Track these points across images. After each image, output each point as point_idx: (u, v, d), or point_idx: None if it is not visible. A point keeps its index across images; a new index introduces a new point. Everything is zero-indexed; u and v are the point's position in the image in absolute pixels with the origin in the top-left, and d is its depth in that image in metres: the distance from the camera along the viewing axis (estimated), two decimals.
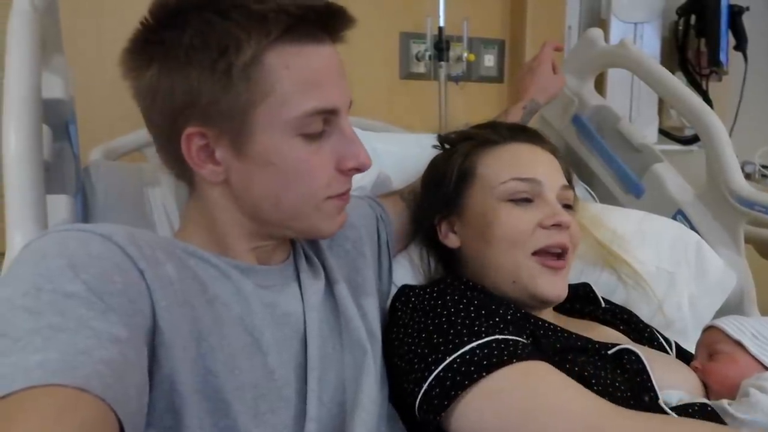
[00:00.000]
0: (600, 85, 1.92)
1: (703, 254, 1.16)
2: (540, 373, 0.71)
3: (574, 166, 1.31)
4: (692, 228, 1.23)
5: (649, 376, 0.76)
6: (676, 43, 2.13)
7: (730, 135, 1.22)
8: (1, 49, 0.76)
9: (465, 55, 1.92)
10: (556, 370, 0.72)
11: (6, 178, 0.71)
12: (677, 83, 1.28)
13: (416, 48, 1.90)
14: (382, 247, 0.95)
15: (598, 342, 0.82)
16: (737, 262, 1.20)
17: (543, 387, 0.69)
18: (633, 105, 2.06)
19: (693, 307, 1.12)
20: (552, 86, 1.24)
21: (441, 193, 0.94)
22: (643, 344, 0.92)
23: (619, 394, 0.73)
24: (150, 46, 0.64)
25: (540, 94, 1.22)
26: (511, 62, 2.03)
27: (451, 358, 0.71)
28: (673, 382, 0.79)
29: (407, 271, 1.01)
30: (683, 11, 2.09)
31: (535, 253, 0.84)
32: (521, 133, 0.96)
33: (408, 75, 1.92)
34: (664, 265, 1.13)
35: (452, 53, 1.90)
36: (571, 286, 0.92)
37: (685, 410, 0.74)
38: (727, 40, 2.03)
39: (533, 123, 1.24)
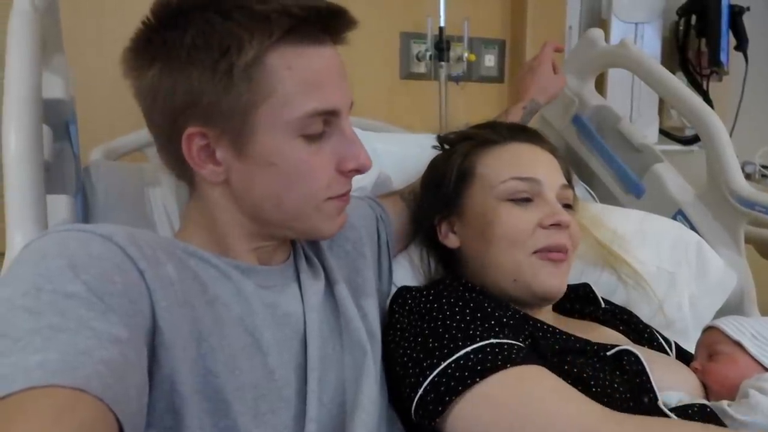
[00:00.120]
0: (600, 85, 1.92)
1: (704, 254, 1.16)
2: (535, 377, 0.71)
3: (574, 166, 1.31)
4: (692, 228, 1.23)
5: (648, 377, 0.76)
6: (677, 43, 2.13)
7: (731, 135, 1.22)
8: (2, 48, 0.76)
9: (465, 55, 1.92)
10: (552, 374, 0.72)
11: (6, 178, 0.71)
12: (678, 83, 1.28)
13: (417, 48, 1.90)
14: (382, 247, 0.95)
15: (597, 343, 0.81)
16: (737, 263, 1.20)
17: (538, 392, 0.69)
18: (633, 105, 2.06)
19: (693, 308, 1.12)
20: (552, 86, 1.24)
21: (441, 194, 0.94)
22: (643, 345, 0.92)
23: (618, 396, 0.73)
24: (152, 46, 0.64)
25: (540, 94, 1.22)
26: (511, 62, 2.03)
27: (445, 363, 0.71)
28: (673, 383, 0.79)
29: (407, 272, 1.01)
30: (684, 11, 2.09)
31: (535, 252, 0.84)
32: (521, 132, 0.96)
33: (408, 75, 1.92)
34: (665, 265, 1.13)
35: (453, 53, 1.90)
36: (571, 287, 0.92)
37: (684, 411, 0.74)
38: (728, 40, 2.03)
39: (533, 123, 1.24)
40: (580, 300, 1.01)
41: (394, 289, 0.94)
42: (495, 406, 0.68)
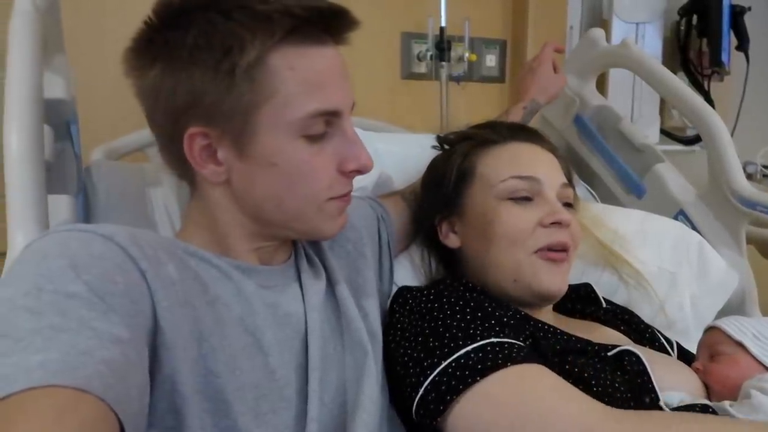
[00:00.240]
0: (601, 85, 1.92)
1: (705, 254, 1.16)
2: (535, 376, 0.71)
3: (575, 166, 1.31)
4: (694, 228, 1.23)
5: (649, 378, 0.76)
6: (678, 43, 2.13)
7: (732, 135, 1.22)
8: (3, 48, 0.76)
9: (466, 55, 1.92)
10: (552, 372, 0.72)
11: (7, 178, 0.71)
12: (679, 83, 1.28)
13: (418, 48, 1.90)
14: (383, 247, 0.95)
15: (598, 344, 0.81)
16: (739, 263, 1.20)
17: (538, 390, 0.69)
18: (634, 105, 2.05)
19: (695, 308, 1.12)
20: (553, 86, 1.24)
21: (441, 194, 0.94)
22: (644, 345, 0.91)
23: (619, 396, 0.73)
24: (153, 46, 0.64)
25: (541, 94, 1.22)
26: (512, 62, 2.03)
27: (446, 363, 0.71)
28: (674, 384, 0.79)
29: (408, 272, 1.01)
30: (685, 11, 2.08)
31: (536, 252, 0.84)
32: (520, 132, 0.96)
33: (409, 75, 1.92)
34: (666, 265, 1.13)
35: (454, 53, 1.90)
36: (572, 287, 0.92)
37: (686, 411, 0.74)
38: (729, 40, 2.03)
39: (534, 123, 1.24)
40: (581, 300, 1.01)
41: (395, 289, 0.94)
42: (496, 405, 0.68)
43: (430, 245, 0.99)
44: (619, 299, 1.07)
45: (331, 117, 0.68)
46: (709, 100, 1.97)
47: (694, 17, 2.07)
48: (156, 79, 0.64)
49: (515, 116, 1.18)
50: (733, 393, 0.79)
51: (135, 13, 0.66)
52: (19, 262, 0.54)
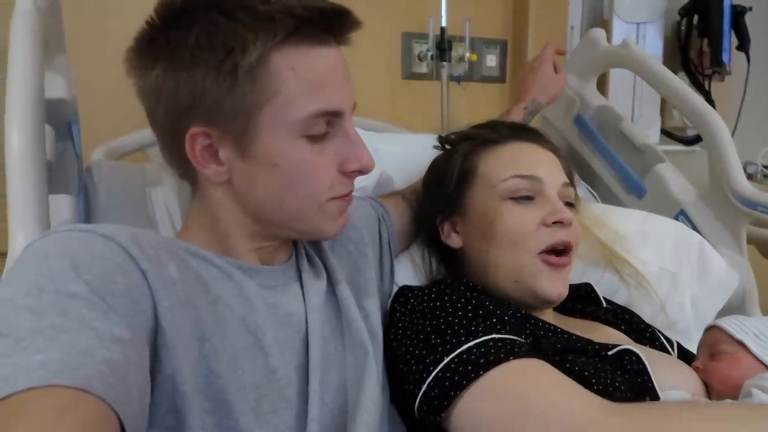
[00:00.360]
0: (602, 86, 1.92)
1: (706, 255, 1.16)
2: (537, 370, 0.71)
3: (576, 167, 1.30)
4: (694, 228, 1.23)
5: (650, 377, 0.76)
6: (679, 43, 2.13)
7: (733, 135, 1.22)
8: (4, 48, 0.76)
9: (467, 55, 1.92)
10: (553, 368, 0.72)
11: (8, 177, 0.71)
12: (680, 83, 1.28)
13: (418, 48, 1.90)
14: (383, 247, 0.95)
15: (598, 343, 0.81)
16: (739, 263, 1.20)
17: (540, 385, 0.69)
18: (635, 105, 2.05)
19: (695, 308, 1.12)
20: (553, 86, 1.24)
21: (442, 194, 0.94)
22: (645, 344, 0.91)
23: (619, 395, 0.73)
24: (155, 46, 0.64)
25: (542, 95, 1.22)
26: (513, 62, 2.03)
27: (449, 358, 0.71)
28: (675, 383, 0.79)
29: (409, 272, 1.01)
30: (686, 11, 2.08)
31: (539, 254, 0.84)
32: (521, 132, 0.96)
33: (410, 75, 1.92)
34: (667, 265, 1.13)
35: (454, 53, 1.90)
36: (572, 286, 0.92)
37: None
38: (730, 40, 2.03)
39: (535, 123, 1.24)
40: (581, 300, 1.01)
41: (395, 289, 0.94)
42: (498, 399, 0.68)
43: (431, 245, 0.99)
44: (619, 299, 1.07)
45: (333, 117, 0.68)
46: (710, 101, 1.97)
47: (695, 17, 2.07)
48: (158, 78, 0.64)
49: (516, 116, 1.18)
50: (734, 392, 0.79)
51: (136, 13, 0.66)
52: (20, 262, 0.54)
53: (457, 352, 0.71)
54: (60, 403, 0.43)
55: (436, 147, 1.03)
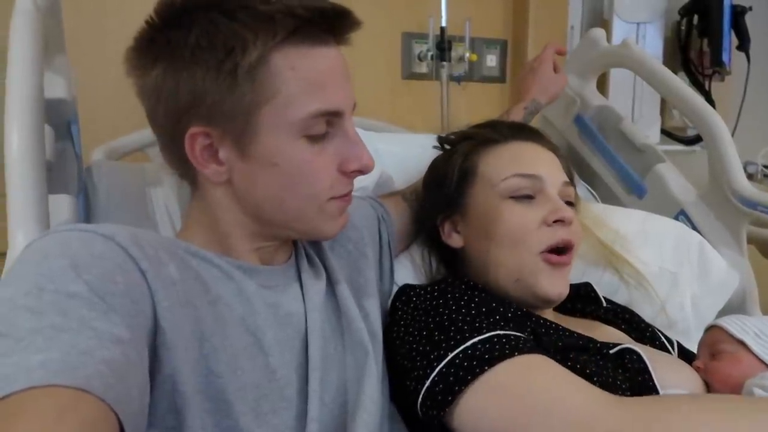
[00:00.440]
0: (602, 85, 1.92)
1: (706, 255, 1.16)
2: (541, 366, 0.71)
3: (576, 167, 1.31)
4: (694, 228, 1.23)
5: (651, 376, 0.76)
6: (679, 43, 2.13)
7: (733, 135, 1.22)
8: (4, 48, 0.76)
9: (467, 55, 1.92)
10: (557, 363, 0.72)
11: (8, 177, 0.71)
12: (680, 83, 1.28)
13: (418, 48, 1.90)
14: (383, 247, 0.95)
15: (599, 341, 0.82)
16: (740, 263, 1.20)
17: (544, 380, 0.69)
18: (635, 105, 2.05)
19: (695, 308, 1.12)
20: (554, 86, 1.24)
21: (443, 194, 0.94)
22: (645, 344, 0.91)
23: (620, 393, 0.73)
24: (155, 46, 0.64)
25: (542, 94, 1.22)
26: (513, 62, 2.03)
27: (453, 354, 0.71)
28: (676, 382, 0.79)
29: (409, 272, 1.01)
30: (686, 11, 2.08)
31: (540, 254, 0.84)
32: (521, 131, 0.96)
33: (410, 75, 1.92)
34: (667, 265, 1.13)
35: (454, 53, 1.90)
36: (572, 286, 0.92)
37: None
38: (730, 40, 2.03)
39: (535, 123, 1.24)
40: (581, 299, 1.01)
41: (395, 289, 0.94)
42: (503, 395, 0.69)
43: (431, 245, 0.99)
44: (620, 299, 1.07)
45: (333, 117, 0.68)
46: (710, 100, 1.97)
47: (695, 17, 2.07)
48: (158, 78, 0.64)
49: (516, 116, 1.18)
50: (735, 391, 0.79)
51: (136, 14, 0.66)
52: (20, 261, 0.54)
53: (461, 348, 0.71)
54: (60, 403, 0.43)
55: (436, 147, 1.03)
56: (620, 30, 1.98)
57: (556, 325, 0.83)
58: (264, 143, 0.65)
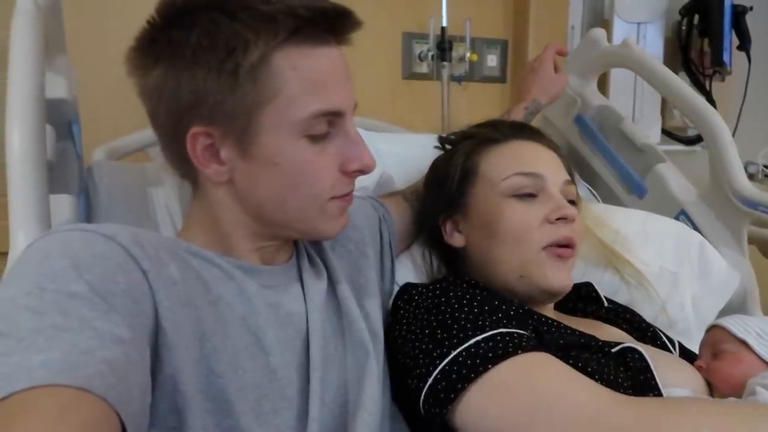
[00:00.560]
0: (603, 85, 1.92)
1: (707, 255, 1.16)
2: (544, 364, 0.71)
3: (576, 166, 1.31)
4: (695, 228, 1.23)
5: (653, 374, 0.76)
6: (679, 43, 2.12)
7: (734, 135, 1.22)
8: (5, 48, 0.76)
9: (468, 55, 1.92)
10: (560, 361, 0.72)
11: (9, 177, 0.71)
12: (680, 83, 1.28)
13: (419, 48, 1.90)
14: (384, 247, 0.95)
15: (601, 340, 0.82)
16: (740, 263, 1.20)
17: (547, 378, 0.69)
18: (636, 105, 2.05)
19: (696, 308, 1.12)
20: (554, 86, 1.24)
21: (444, 193, 0.94)
22: (646, 343, 0.91)
23: (622, 391, 0.72)
24: (157, 45, 0.64)
25: (542, 95, 1.22)
26: (513, 62, 2.03)
27: (456, 352, 0.71)
28: (677, 381, 0.79)
29: (410, 271, 1.01)
30: (686, 11, 2.08)
31: (543, 249, 0.84)
32: (522, 130, 0.96)
33: (411, 75, 1.92)
34: (667, 265, 1.13)
35: (455, 53, 1.90)
36: (573, 286, 0.92)
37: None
38: (731, 40, 2.02)
39: (536, 123, 1.24)
40: (582, 299, 1.01)
41: (396, 289, 0.94)
42: (506, 393, 0.69)
43: (432, 245, 0.99)
44: (620, 299, 1.07)
45: (334, 117, 0.68)
46: (711, 100, 1.97)
47: (696, 17, 2.06)
48: (159, 78, 0.64)
49: (517, 116, 1.18)
50: (736, 391, 0.79)
51: (137, 14, 0.66)
52: (21, 261, 0.54)
53: (464, 346, 0.71)
54: (61, 403, 0.43)
55: (437, 147, 1.03)
56: (621, 30, 1.98)
57: (558, 323, 0.83)
58: (265, 143, 0.65)
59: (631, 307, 1.05)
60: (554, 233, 0.84)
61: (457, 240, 0.93)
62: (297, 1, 0.63)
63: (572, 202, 0.90)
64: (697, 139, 2.06)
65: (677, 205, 1.29)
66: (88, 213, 0.94)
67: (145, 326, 0.55)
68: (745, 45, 2.04)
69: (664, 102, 2.09)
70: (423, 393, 0.72)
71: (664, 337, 0.96)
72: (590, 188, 1.43)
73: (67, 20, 0.96)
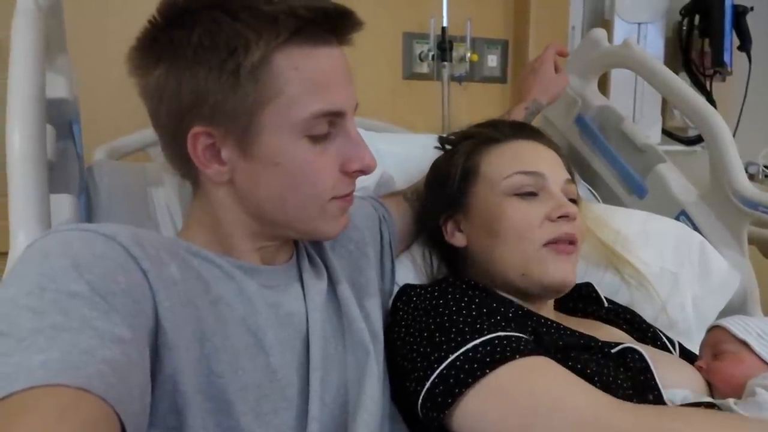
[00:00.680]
0: (603, 86, 1.92)
1: (707, 255, 1.16)
2: (543, 368, 0.71)
3: (577, 167, 1.30)
4: (695, 229, 1.23)
5: (652, 375, 0.76)
6: (680, 43, 2.12)
7: (734, 136, 1.22)
8: (5, 48, 0.76)
9: (468, 55, 1.92)
10: (559, 365, 0.72)
11: (9, 177, 0.71)
12: (681, 84, 1.28)
13: (419, 48, 1.90)
14: (384, 247, 0.95)
15: (601, 341, 0.82)
16: (741, 263, 1.20)
17: (546, 382, 0.69)
18: (636, 105, 2.05)
19: (696, 308, 1.12)
20: (555, 86, 1.24)
21: (445, 193, 0.94)
22: (647, 344, 0.91)
23: (622, 392, 0.73)
24: (158, 45, 0.64)
25: (543, 95, 1.22)
26: (514, 63, 2.03)
27: (453, 356, 0.71)
28: (677, 381, 0.79)
29: (410, 271, 1.01)
30: (687, 11, 2.08)
31: (544, 245, 0.84)
32: (522, 130, 0.96)
33: (411, 75, 1.92)
34: (668, 265, 1.13)
35: (455, 53, 1.90)
36: (574, 286, 0.92)
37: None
38: (731, 40, 2.02)
39: (536, 123, 1.24)
40: (582, 299, 1.01)
41: (396, 289, 0.94)
42: (504, 398, 0.69)
43: (433, 245, 0.99)
44: (621, 299, 1.07)
45: (335, 117, 0.68)
46: (711, 101, 1.97)
47: (696, 17, 2.06)
48: (160, 78, 0.64)
49: (517, 116, 1.17)
50: (737, 391, 0.79)
51: (137, 14, 0.66)
52: (22, 261, 0.54)
53: (462, 350, 0.71)
54: (61, 403, 0.43)
55: (437, 148, 1.03)
56: (621, 30, 1.98)
57: (558, 324, 0.83)
58: (266, 143, 0.65)
59: (631, 308, 1.05)
60: (555, 230, 0.84)
61: (458, 240, 0.93)
62: (298, 2, 0.63)
63: (573, 201, 0.91)
64: (697, 140, 2.06)
65: (678, 205, 1.29)
66: (88, 213, 0.94)
67: (145, 326, 0.55)
68: (745, 45, 2.04)
69: (664, 102, 2.09)
70: (421, 397, 0.72)
71: (664, 338, 0.96)
72: (591, 188, 1.43)
73: (68, 20, 0.96)
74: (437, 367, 0.71)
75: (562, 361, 0.74)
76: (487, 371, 0.69)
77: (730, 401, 0.76)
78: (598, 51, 1.44)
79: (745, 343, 0.83)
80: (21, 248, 0.58)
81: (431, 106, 1.91)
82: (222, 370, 0.61)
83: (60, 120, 0.90)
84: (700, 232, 1.22)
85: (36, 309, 0.48)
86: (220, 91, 0.62)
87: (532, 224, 0.85)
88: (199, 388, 0.59)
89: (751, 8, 2.03)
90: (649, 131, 2.00)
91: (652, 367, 0.77)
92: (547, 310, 0.90)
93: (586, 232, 0.95)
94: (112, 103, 1.27)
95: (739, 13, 2.02)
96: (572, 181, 0.92)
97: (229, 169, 0.67)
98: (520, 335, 0.74)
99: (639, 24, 2.02)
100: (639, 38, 2.01)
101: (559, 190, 0.88)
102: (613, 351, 0.79)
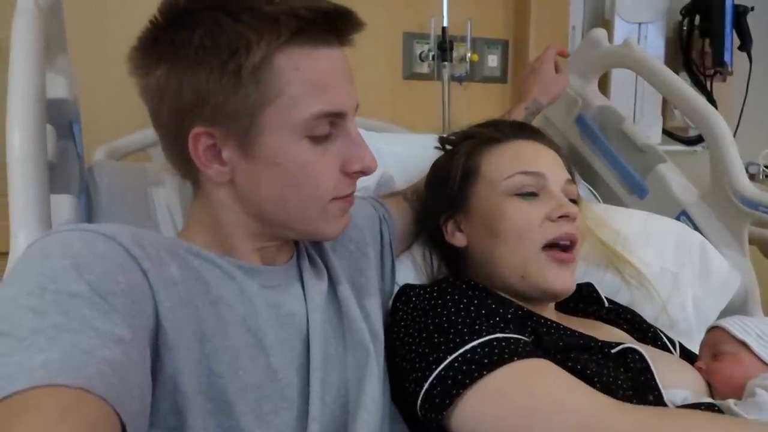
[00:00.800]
0: (604, 86, 1.92)
1: (707, 255, 1.16)
2: (541, 370, 0.71)
3: (577, 167, 1.30)
4: (696, 229, 1.23)
5: (653, 375, 0.76)
6: (680, 43, 2.12)
7: (735, 136, 1.22)
8: (5, 48, 0.76)
9: (468, 55, 1.92)
10: (558, 367, 0.72)
11: (10, 177, 0.71)
12: (681, 83, 1.27)
13: (420, 48, 1.90)
14: (385, 247, 0.95)
15: (601, 341, 0.82)
16: (741, 263, 1.20)
17: (544, 384, 0.69)
18: (637, 105, 2.05)
19: (697, 308, 1.12)
20: (555, 86, 1.24)
21: (445, 193, 0.94)
22: (647, 344, 0.91)
23: (621, 393, 0.73)
24: (159, 46, 0.64)
25: (543, 95, 1.22)
26: (514, 63, 2.03)
27: (452, 357, 0.71)
28: (678, 382, 0.79)
29: (410, 272, 1.01)
30: (687, 11, 2.08)
31: (544, 248, 0.84)
32: (523, 130, 0.96)
33: (411, 75, 1.92)
34: (668, 265, 1.13)
35: (456, 53, 1.90)
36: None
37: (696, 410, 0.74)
38: (732, 40, 2.02)
39: (536, 123, 1.24)
40: (583, 299, 1.01)
41: (396, 289, 0.94)
42: (503, 399, 0.69)
43: (433, 245, 0.99)
44: (621, 300, 1.07)
45: (336, 118, 0.68)
46: (712, 101, 1.96)
47: (697, 17, 2.07)
48: (161, 78, 0.64)
49: (517, 116, 1.17)
50: (737, 392, 0.79)
51: (138, 14, 0.66)
52: (22, 261, 0.54)
53: (461, 351, 0.71)
54: (62, 403, 0.43)
55: (437, 148, 1.03)
56: (622, 30, 1.98)
57: (557, 324, 0.83)
58: (267, 144, 0.65)
59: (631, 308, 1.05)
60: (556, 230, 0.84)
61: (458, 240, 0.93)
62: (299, 2, 0.63)
63: (573, 201, 0.91)
64: (698, 140, 2.06)
65: (678, 205, 1.29)
66: (88, 213, 0.94)
67: (146, 326, 0.55)
68: (746, 45, 2.04)
69: (665, 102, 2.09)
70: (419, 397, 0.72)
71: (664, 338, 0.96)
72: (591, 188, 1.43)
73: (68, 20, 0.96)
74: (435, 368, 0.71)
75: (562, 361, 0.74)
76: (485, 373, 0.69)
77: (730, 402, 0.76)
78: (598, 51, 1.44)
79: (744, 344, 0.82)
80: (21, 248, 0.58)
81: (431, 106, 1.91)
82: (222, 370, 0.61)
83: (60, 120, 0.90)
84: (700, 232, 1.22)
85: (36, 309, 0.48)
86: (221, 92, 0.62)
87: (533, 224, 0.85)
88: (199, 388, 0.59)
89: (752, 8, 2.03)
90: (649, 131, 2.00)
91: (653, 368, 0.77)
92: (547, 310, 0.90)
93: (587, 232, 0.95)
94: (112, 103, 1.28)
95: (740, 13, 2.02)
96: (573, 181, 0.92)
97: (230, 170, 0.67)
98: (519, 337, 0.74)
99: (639, 24, 2.02)
100: (639, 38, 2.01)
101: (560, 190, 0.88)
102: (613, 351, 0.79)
